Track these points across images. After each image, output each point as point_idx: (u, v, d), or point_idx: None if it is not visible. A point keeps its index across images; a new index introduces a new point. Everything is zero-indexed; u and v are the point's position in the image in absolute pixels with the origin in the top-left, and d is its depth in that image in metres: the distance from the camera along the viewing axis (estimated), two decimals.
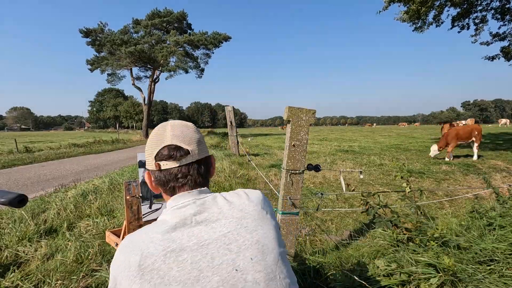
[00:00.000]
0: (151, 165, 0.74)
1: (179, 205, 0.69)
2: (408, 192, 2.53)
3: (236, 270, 0.59)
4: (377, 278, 1.83)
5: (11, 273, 2.24)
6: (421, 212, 2.31)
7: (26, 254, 2.56)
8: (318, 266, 2.12)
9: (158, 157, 0.71)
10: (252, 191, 0.77)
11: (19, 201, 0.74)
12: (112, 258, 2.55)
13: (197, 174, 0.74)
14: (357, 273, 1.94)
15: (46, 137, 37.88)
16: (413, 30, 11.45)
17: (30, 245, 2.73)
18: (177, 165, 0.71)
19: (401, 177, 2.62)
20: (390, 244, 2.24)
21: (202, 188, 0.74)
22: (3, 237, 2.94)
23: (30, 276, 2.20)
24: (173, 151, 0.71)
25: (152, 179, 0.76)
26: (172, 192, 0.74)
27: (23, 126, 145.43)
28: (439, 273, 1.69)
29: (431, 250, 1.91)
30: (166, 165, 0.71)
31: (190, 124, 0.78)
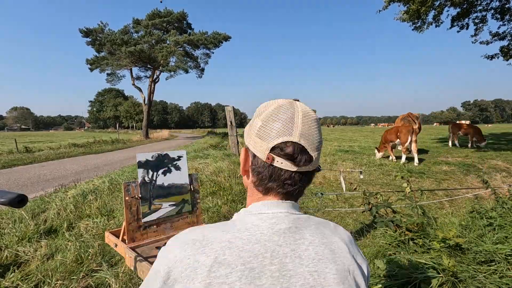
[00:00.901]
0: (259, 151, 0.60)
1: (270, 214, 0.58)
2: (409, 192, 2.53)
3: None
4: (378, 279, 1.83)
5: (11, 273, 2.24)
6: (422, 212, 2.31)
7: (26, 254, 2.56)
8: None
9: (277, 150, 0.58)
10: (343, 232, 0.64)
11: (19, 201, 0.73)
12: (112, 258, 2.50)
13: (304, 185, 0.63)
14: None
15: (46, 137, 37.89)
16: (412, 30, 11.46)
17: (30, 245, 2.73)
18: (294, 170, 0.59)
19: (402, 177, 2.62)
20: (391, 244, 2.24)
21: (295, 203, 0.63)
22: (3, 237, 2.94)
23: (30, 276, 2.20)
24: (298, 154, 0.57)
25: (250, 164, 0.64)
26: (263, 191, 0.62)
27: (23, 126, 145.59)
28: (440, 274, 1.69)
29: (432, 251, 1.91)
30: (281, 164, 0.58)
31: (316, 117, 0.64)
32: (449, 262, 1.69)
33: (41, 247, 2.68)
